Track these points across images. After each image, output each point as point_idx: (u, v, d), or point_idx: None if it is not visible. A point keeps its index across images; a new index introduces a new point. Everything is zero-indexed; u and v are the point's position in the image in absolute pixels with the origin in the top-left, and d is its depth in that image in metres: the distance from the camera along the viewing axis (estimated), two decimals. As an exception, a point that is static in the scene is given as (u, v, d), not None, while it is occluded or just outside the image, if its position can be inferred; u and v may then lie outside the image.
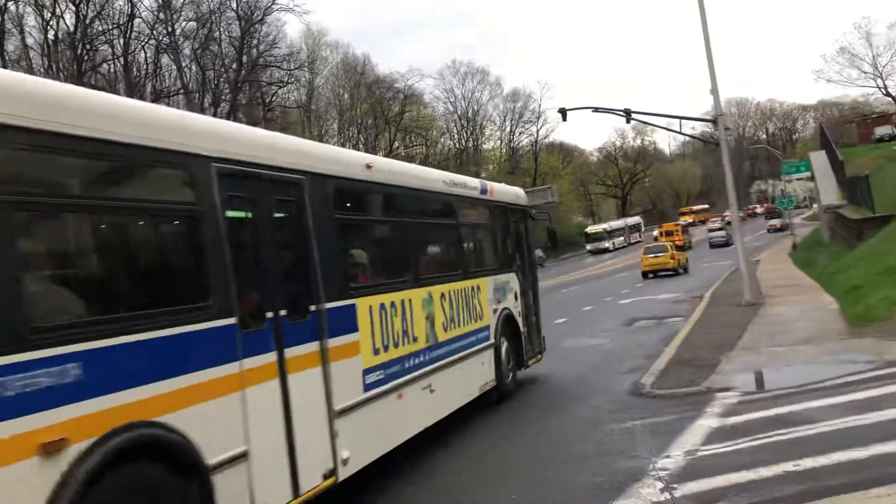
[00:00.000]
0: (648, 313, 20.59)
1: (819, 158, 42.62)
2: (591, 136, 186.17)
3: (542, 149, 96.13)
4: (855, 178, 30.18)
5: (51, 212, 4.32)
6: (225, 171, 5.39)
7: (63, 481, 3.82)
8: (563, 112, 21.85)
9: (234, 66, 52.33)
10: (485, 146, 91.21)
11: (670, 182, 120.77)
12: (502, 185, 13.13)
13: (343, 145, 73.31)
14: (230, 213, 5.42)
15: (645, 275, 36.88)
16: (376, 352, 7.17)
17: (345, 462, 6.33)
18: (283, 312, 5.81)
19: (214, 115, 53.61)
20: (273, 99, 58.75)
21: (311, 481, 5.87)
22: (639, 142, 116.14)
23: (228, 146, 5.59)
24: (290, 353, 5.82)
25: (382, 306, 7.37)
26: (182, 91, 52.85)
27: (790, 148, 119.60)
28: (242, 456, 5.10)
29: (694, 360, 11.84)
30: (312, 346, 6.16)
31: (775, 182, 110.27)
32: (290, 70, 56.22)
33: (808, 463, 6.30)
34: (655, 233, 68.53)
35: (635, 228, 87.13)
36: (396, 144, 73.37)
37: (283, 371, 5.72)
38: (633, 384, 10.85)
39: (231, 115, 55.08)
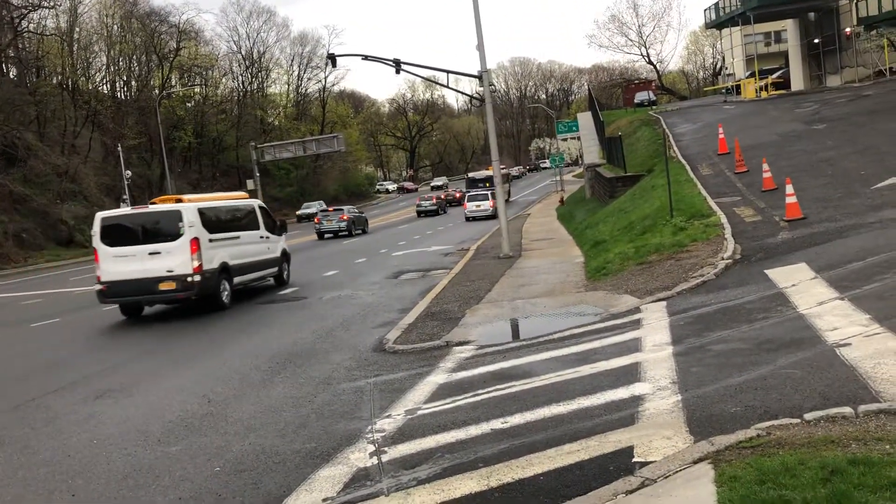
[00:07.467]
0: (416, 265, 20.77)
1: (585, 119, 45.27)
2: (384, 86, 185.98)
3: (332, 97, 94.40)
4: (611, 138, 32.34)
5: None
6: None
7: None
8: (332, 58, 21.20)
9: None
10: (271, 89, 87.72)
11: (456, 136, 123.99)
12: None
13: (113, 80, 67.24)
14: None
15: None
16: None
17: None
18: None
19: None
20: (26, 23, 52.17)
21: None
22: (428, 95, 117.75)
23: None
24: None
25: None
26: None
27: (566, 109, 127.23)
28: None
29: (441, 314, 11.94)
30: None
31: (552, 140, 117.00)
32: (44, -8, 50.05)
33: (516, 420, 6.41)
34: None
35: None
36: (173, 82, 68.36)
37: None
38: (378, 340, 10.72)
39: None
